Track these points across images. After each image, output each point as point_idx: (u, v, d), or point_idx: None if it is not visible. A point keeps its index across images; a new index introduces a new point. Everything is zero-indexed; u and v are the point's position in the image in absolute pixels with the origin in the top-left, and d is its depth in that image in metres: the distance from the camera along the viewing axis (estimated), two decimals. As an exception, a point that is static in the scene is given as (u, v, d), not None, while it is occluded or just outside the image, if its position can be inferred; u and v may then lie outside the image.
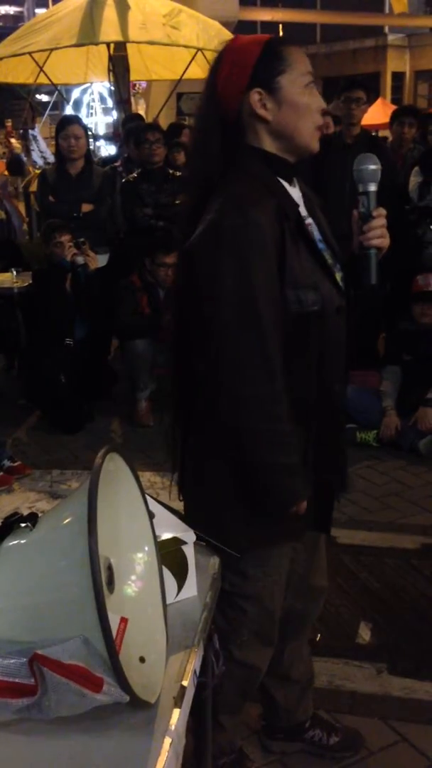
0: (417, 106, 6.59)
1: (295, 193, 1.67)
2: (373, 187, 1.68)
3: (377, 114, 11.17)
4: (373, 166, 1.68)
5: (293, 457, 1.60)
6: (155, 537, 1.34)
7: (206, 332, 1.59)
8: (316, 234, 1.69)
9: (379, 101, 14.21)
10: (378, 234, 1.67)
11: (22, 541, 1.18)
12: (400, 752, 2.13)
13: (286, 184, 1.65)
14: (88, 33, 6.87)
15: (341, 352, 1.70)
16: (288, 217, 1.58)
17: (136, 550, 1.33)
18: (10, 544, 1.19)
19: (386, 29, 22.46)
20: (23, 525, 1.21)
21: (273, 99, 1.60)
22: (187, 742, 1.31)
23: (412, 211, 4.72)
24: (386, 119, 6.43)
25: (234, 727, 1.97)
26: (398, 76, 23.58)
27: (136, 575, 1.31)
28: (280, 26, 18.84)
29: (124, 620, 1.22)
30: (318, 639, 2.49)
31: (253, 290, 1.52)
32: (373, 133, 6.00)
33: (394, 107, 8.70)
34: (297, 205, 1.64)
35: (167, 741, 1.11)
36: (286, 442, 1.59)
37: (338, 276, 1.70)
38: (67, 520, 1.15)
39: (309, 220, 1.68)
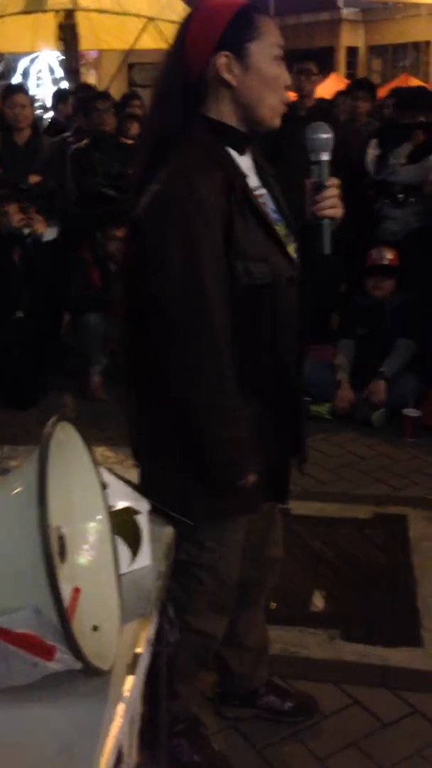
0: (371, 80, 6.60)
1: (245, 163, 1.65)
2: (325, 156, 1.66)
3: (331, 89, 11.16)
4: (325, 135, 1.66)
5: (240, 432, 1.60)
6: (108, 507, 1.34)
7: (153, 305, 1.57)
8: (270, 205, 1.68)
9: (332, 76, 14.18)
10: (331, 204, 1.66)
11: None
12: (353, 715, 2.18)
13: (235, 155, 1.63)
14: (35, 0, 6.71)
15: (294, 325, 1.69)
16: (235, 188, 1.56)
17: (89, 519, 1.32)
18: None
19: (341, 3, 22.37)
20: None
21: (240, 64, 1.57)
22: (142, 710, 1.32)
23: (368, 185, 4.73)
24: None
25: (189, 694, 1.99)
26: (353, 51, 23.54)
27: (89, 545, 1.30)
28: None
29: (76, 589, 1.21)
30: (273, 607, 2.52)
31: (198, 262, 1.51)
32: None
33: (348, 82, 8.70)
34: (245, 176, 1.62)
35: (121, 707, 1.11)
36: (232, 416, 1.59)
37: (291, 247, 1.69)
38: (16, 490, 1.13)
39: (260, 191, 1.67)
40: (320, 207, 1.66)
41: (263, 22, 1.58)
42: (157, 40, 7.94)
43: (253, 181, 1.66)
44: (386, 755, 2.04)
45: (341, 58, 22.80)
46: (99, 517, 1.32)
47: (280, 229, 1.67)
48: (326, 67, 6.64)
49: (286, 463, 1.78)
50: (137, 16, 7.35)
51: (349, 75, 19.40)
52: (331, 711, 2.18)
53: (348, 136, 4.87)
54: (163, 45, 8.47)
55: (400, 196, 4.61)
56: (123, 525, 1.42)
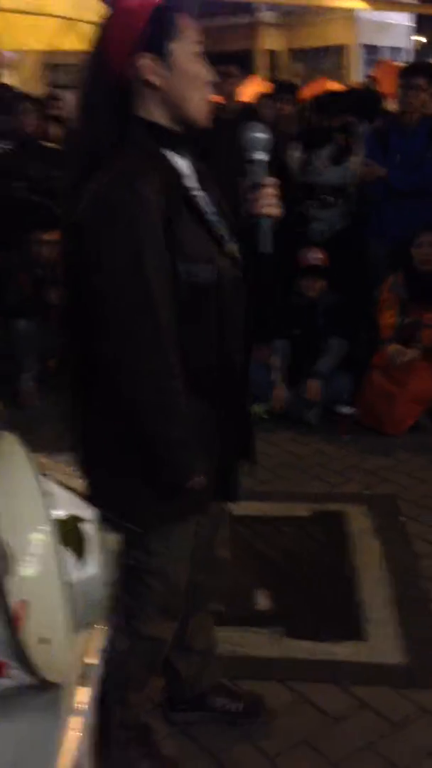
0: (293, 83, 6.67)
1: (183, 164, 1.65)
2: (262, 155, 1.67)
3: (251, 92, 11.21)
4: (261, 135, 1.67)
5: (187, 432, 1.59)
6: (53, 516, 1.31)
7: (96, 307, 1.55)
8: (209, 207, 1.67)
9: (252, 79, 14.27)
10: (269, 202, 1.67)
11: None
12: (302, 712, 2.19)
13: (172, 156, 1.62)
14: None
15: (240, 324, 1.69)
16: (174, 189, 1.56)
17: (34, 530, 1.29)
18: None
19: (261, 6, 22.57)
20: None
21: (163, 65, 1.56)
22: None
23: (294, 187, 4.78)
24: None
25: (140, 702, 1.97)
26: (274, 55, 23.81)
27: (35, 556, 1.27)
28: None
29: (23, 602, 1.18)
30: (221, 609, 2.51)
31: (142, 264, 1.50)
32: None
33: (269, 85, 8.74)
34: (182, 177, 1.62)
35: (75, 719, 1.09)
36: (179, 415, 1.58)
37: (233, 248, 1.69)
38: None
39: (199, 193, 1.66)
40: (259, 205, 1.66)
41: (182, 20, 1.57)
42: (78, 41, 7.83)
43: (191, 181, 1.65)
44: (337, 750, 2.05)
45: (260, 60, 23.02)
46: (44, 527, 1.30)
47: (220, 230, 1.67)
48: (246, 70, 6.68)
49: (234, 463, 1.78)
50: (56, 16, 7.21)
51: (271, 78, 19.59)
52: (280, 709, 2.19)
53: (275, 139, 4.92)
54: (84, 46, 8.33)
55: (325, 197, 4.68)
56: (69, 534, 1.40)
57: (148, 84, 1.57)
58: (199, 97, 1.60)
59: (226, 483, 1.77)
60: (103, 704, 1.59)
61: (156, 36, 1.55)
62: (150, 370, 1.54)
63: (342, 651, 2.42)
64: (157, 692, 2.18)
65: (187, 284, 1.55)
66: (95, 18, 7.19)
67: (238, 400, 1.74)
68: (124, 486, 1.64)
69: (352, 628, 2.53)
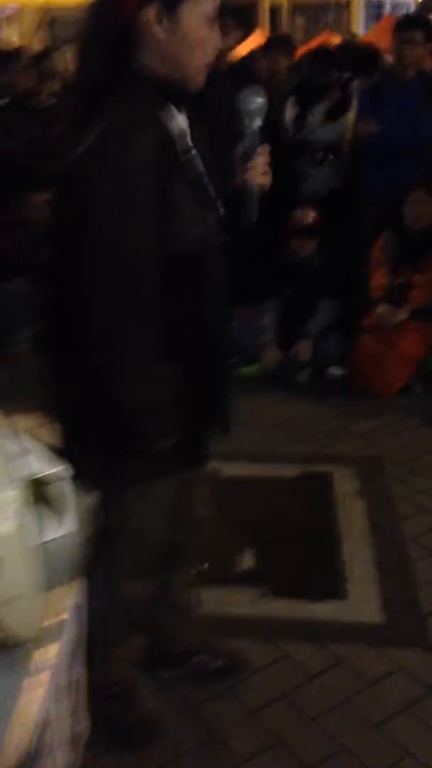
0: (289, 36, 6.52)
1: (183, 121, 1.60)
2: (258, 123, 1.62)
3: (255, 46, 10.99)
4: (259, 100, 1.61)
5: (161, 396, 1.58)
6: (30, 474, 1.31)
7: (81, 263, 1.52)
8: (200, 167, 1.64)
9: (256, 33, 13.99)
10: (261, 171, 1.63)
11: None
12: (283, 668, 2.23)
13: (173, 110, 1.57)
14: None
15: (222, 290, 1.67)
16: (171, 148, 1.52)
17: (9, 487, 1.29)
18: None
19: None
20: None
21: (170, 20, 1.51)
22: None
23: (288, 144, 4.71)
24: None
25: (123, 657, 2.00)
26: (276, 9, 23.31)
27: (8, 514, 1.28)
28: None
29: (-4, 559, 1.19)
30: (205, 568, 2.54)
31: (130, 222, 1.47)
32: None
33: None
34: (184, 135, 1.57)
35: (46, 674, 1.11)
36: (154, 380, 1.57)
37: (219, 212, 1.66)
38: None
39: (194, 152, 1.62)
40: (250, 175, 1.63)
41: None
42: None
43: (187, 141, 1.61)
44: (315, 705, 2.10)
45: (264, 15, 22.55)
46: (18, 485, 1.30)
47: (210, 193, 1.64)
48: (249, 24, 6.54)
49: (209, 427, 1.78)
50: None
51: (273, 32, 19.20)
52: (261, 666, 2.23)
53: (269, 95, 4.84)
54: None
55: (320, 154, 4.61)
56: (45, 492, 1.40)
57: (152, 37, 1.52)
58: (198, 61, 1.55)
59: (197, 447, 1.76)
60: (87, 661, 1.61)
61: None
62: (130, 332, 1.52)
63: (322, 609, 2.46)
64: (139, 650, 2.22)
65: (175, 248, 1.52)
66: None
67: (216, 366, 1.73)
68: (99, 445, 1.64)
69: (332, 588, 2.56)
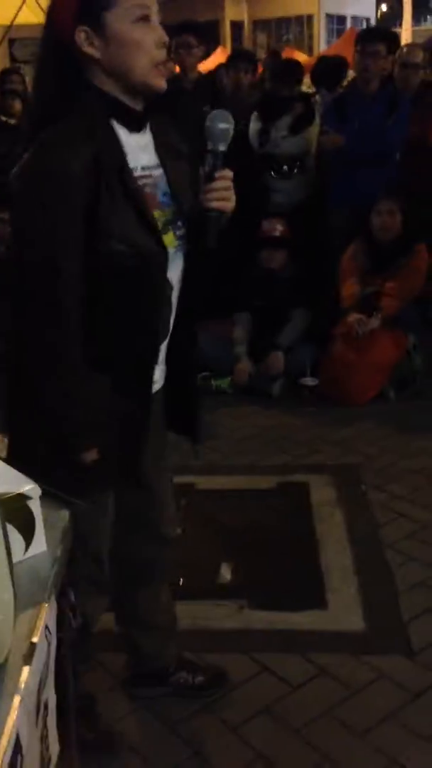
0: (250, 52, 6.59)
1: (135, 140, 1.59)
2: (221, 147, 1.60)
3: (218, 62, 11.10)
4: (224, 125, 1.59)
5: (78, 408, 1.59)
6: (-3, 494, 1.29)
7: (15, 276, 1.57)
8: (161, 187, 1.63)
9: (219, 50, 14.14)
10: (219, 196, 1.60)
11: None
12: (263, 681, 2.21)
13: (123, 131, 1.57)
14: None
15: (159, 308, 1.65)
16: (106, 165, 1.51)
17: (-25, 509, 1.27)
18: None
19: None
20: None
21: (100, 36, 1.52)
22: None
23: (253, 158, 4.73)
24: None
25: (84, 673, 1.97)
26: (237, 25, 23.57)
27: (-23, 535, 1.25)
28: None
29: (-35, 582, 1.16)
30: (180, 583, 2.52)
31: (50, 235, 1.49)
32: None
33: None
34: (124, 155, 1.56)
35: (17, 699, 1.08)
36: (78, 392, 1.58)
37: (171, 235, 1.64)
38: None
39: (150, 172, 1.62)
40: (207, 198, 1.61)
41: None
42: (37, 14, 7.68)
43: (143, 160, 1.60)
44: (297, 718, 2.07)
45: (226, 31, 22.79)
46: (-13, 505, 1.28)
47: (162, 214, 1.63)
48: (212, 41, 6.59)
49: (140, 441, 1.73)
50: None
51: (233, 49, 19.41)
52: (241, 680, 2.20)
53: (233, 110, 4.87)
54: (43, 19, 8.18)
55: (285, 168, 4.65)
56: (15, 511, 1.38)
57: (91, 57, 1.53)
58: (145, 62, 1.54)
59: (130, 461, 1.73)
60: (58, 682, 1.58)
61: (91, 7, 1.51)
62: (49, 343, 1.55)
63: (302, 620, 2.44)
64: (119, 668, 2.19)
65: (106, 263, 1.52)
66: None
67: (145, 383, 1.68)
68: (38, 456, 1.61)
69: (312, 597, 2.54)
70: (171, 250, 1.62)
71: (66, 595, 1.55)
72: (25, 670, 1.15)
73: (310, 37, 22.92)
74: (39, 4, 7.48)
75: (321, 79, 5.81)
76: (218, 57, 11.21)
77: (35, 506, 1.42)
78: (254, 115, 4.74)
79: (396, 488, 3.23)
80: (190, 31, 4.68)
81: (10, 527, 1.31)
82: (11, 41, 9.59)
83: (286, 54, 11.67)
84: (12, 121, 5.03)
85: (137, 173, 1.59)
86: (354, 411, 3.99)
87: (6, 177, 4.87)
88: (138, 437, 1.72)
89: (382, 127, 4.28)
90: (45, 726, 1.25)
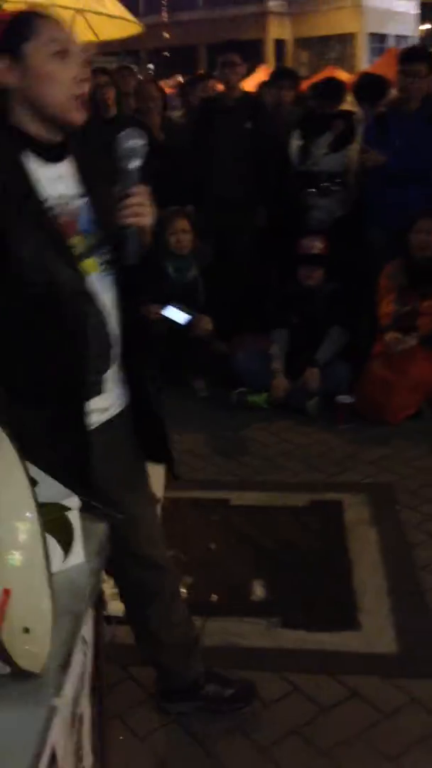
0: (293, 70, 6.60)
1: (51, 171, 1.62)
2: (134, 164, 1.62)
3: (260, 80, 11.13)
4: (139, 141, 1.63)
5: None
6: (38, 504, 1.30)
7: None
8: (84, 215, 1.65)
9: (262, 68, 14.23)
10: (132, 212, 1.63)
11: None
12: (294, 702, 2.19)
13: (36, 162, 1.60)
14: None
15: (81, 336, 1.64)
16: (12, 195, 1.55)
17: (18, 518, 1.28)
18: None
19: (266, -5, 22.48)
20: None
21: (18, 66, 1.57)
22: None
23: (293, 175, 4.76)
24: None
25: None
26: (280, 44, 23.69)
27: (18, 544, 1.27)
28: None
29: (6, 591, 1.18)
30: (213, 599, 2.52)
31: None
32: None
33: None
34: (31, 185, 1.58)
35: (53, 709, 1.09)
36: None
37: (91, 261, 1.65)
38: None
39: (63, 201, 1.63)
40: (122, 215, 1.62)
41: (40, 21, 1.58)
42: (86, 32, 7.81)
43: (58, 189, 1.62)
44: (328, 740, 2.05)
45: (269, 50, 22.91)
46: (29, 515, 1.29)
47: (81, 240, 1.64)
48: (255, 59, 6.64)
49: (84, 468, 1.70)
50: (66, 8, 7.17)
51: (275, 67, 19.49)
52: (272, 699, 2.19)
53: (275, 127, 4.90)
54: (91, 37, 8.32)
55: (324, 185, 4.65)
56: (54, 522, 1.39)
57: (12, 87, 1.58)
58: (60, 96, 1.58)
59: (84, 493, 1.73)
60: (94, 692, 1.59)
61: (12, 38, 1.56)
62: None
63: (334, 640, 2.42)
64: (151, 683, 2.19)
65: (19, 292, 1.55)
66: (103, 9, 7.15)
67: (78, 411, 1.67)
68: None
69: (345, 618, 2.52)
70: (93, 276, 1.65)
71: (102, 606, 1.56)
72: (62, 680, 1.16)
73: (353, 55, 22.93)
74: (88, 24, 7.61)
75: (364, 94, 5.81)
76: (262, 75, 11.27)
77: (74, 517, 1.43)
78: (295, 133, 4.76)
79: (430, 508, 3.19)
80: (234, 50, 4.74)
81: (49, 538, 1.32)
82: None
83: (327, 73, 11.69)
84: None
85: (53, 202, 1.61)
86: (390, 430, 3.97)
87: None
88: (80, 470, 1.68)
89: (422, 146, 4.27)
90: (80, 737, 1.26)
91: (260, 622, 2.52)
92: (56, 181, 1.63)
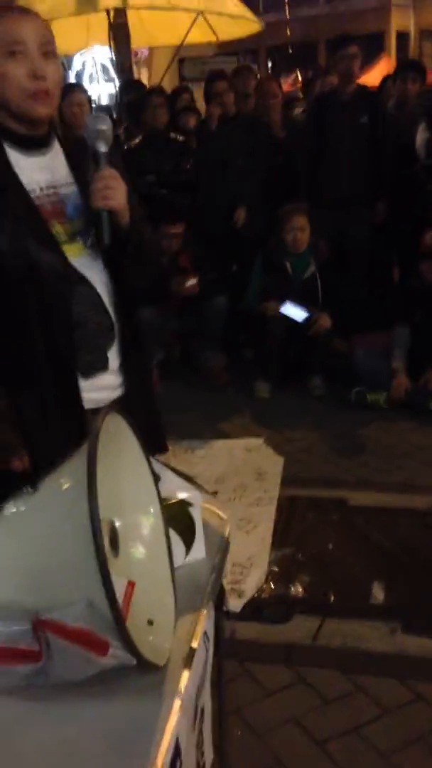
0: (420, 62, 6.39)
1: (32, 162, 1.67)
2: (102, 148, 1.65)
3: (382, 73, 10.94)
4: (104, 126, 1.65)
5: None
6: (161, 499, 1.32)
7: None
8: (72, 201, 1.69)
9: (384, 60, 13.96)
10: (102, 195, 1.64)
11: (23, 507, 1.15)
12: (417, 711, 2.13)
13: (18, 153, 1.66)
14: (86, 1, 6.73)
15: (66, 317, 1.67)
16: None
17: (142, 512, 1.30)
18: (12, 509, 1.16)
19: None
20: (25, 489, 1.18)
21: None
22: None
23: (419, 168, 4.62)
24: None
25: None
26: (403, 36, 23.10)
27: (143, 538, 1.28)
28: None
29: (131, 583, 1.19)
30: (330, 599, 2.48)
31: None
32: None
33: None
34: (12, 175, 1.63)
35: (177, 703, 1.09)
36: None
37: (76, 246, 1.68)
38: (67, 484, 1.12)
39: (49, 190, 1.67)
40: (94, 198, 1.65)
41: None
42: (206, 33, 7.89)
43: (41, 178, 1.67)
44: (452, 751, 1.98)
45: (392, 42, 22.39)
46: (152, 509, 1.31)
47: (68, 226, 1.68)
48: (377, 52, 6.51)
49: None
50: (187, 10, 7.27)
51: (400, 60, 19.02)
52: (394, 706, 2.13)
53: (396, 120, 4.79)
54: (212, 38, 8.41)
55: None
56: (177, 517, 1.40)
57: None
58: (16, 93, 1.61)
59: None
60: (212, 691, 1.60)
61: None
62: None
63: (459, 649, 2.34)
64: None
65: (5, 281, 1.60)
66: (224, 9, 7.20)
67: (68, 393, 1.70)
68: None
69: (470, 626, 2.43)
70: (78, 259, 1.68)
71: (222, 602, 1.56)
72: (185, 674, 1.16)
73: None
74: (209, 24, 7.68)
75: None
76: (383, 68, 11.05)
77: (196, 513, 1.44)
78: (422, 125, 4.63)
79: None
80: (351, 42, 4.66)
81: (171, 532, 1.34)
82: (181, 60, 9.85)
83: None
84: (180, 138, 5.16)
85: (37, 193, 1.66)
86: None
87: (173, 193, 5.02)
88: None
89: None
90: (201, 732, 1.27)
91: (380, 625, 2.46)
92: (42, 171, 1.69)
